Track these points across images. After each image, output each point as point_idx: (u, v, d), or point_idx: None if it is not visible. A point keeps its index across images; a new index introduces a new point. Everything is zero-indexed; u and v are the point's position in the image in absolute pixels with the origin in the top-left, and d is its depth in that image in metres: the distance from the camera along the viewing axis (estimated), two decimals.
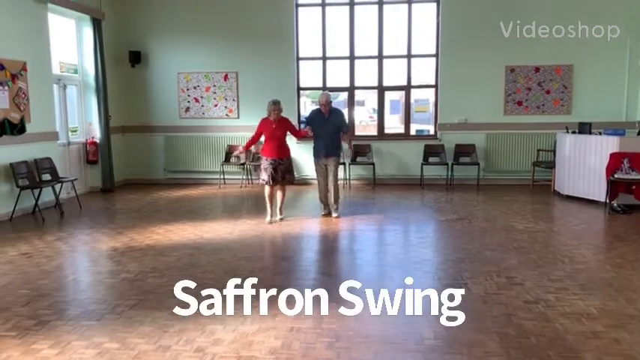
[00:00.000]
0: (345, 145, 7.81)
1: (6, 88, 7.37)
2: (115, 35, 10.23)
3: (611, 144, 7.58)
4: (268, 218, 6.96)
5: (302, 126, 7.06)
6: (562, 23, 9.42)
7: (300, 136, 7.43)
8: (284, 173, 6.94)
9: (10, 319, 3.84)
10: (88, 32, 9.46)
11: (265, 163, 6.90)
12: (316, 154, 7.18)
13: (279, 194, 7.11)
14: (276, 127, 6.82)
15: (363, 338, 3.50)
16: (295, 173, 7.91)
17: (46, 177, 7.95)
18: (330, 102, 7.05)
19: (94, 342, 3.46)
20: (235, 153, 7.17)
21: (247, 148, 7.17)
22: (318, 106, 7.21)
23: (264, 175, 6.89)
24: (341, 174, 8.52)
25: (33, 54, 7.91)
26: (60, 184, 8.00)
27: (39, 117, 8.02)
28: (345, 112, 10.34)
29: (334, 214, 7.20)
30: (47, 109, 8.32)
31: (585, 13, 9.43)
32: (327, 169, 7.11)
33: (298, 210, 7.81)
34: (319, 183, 7.27)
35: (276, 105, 6.80)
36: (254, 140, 7.03)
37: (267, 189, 7.00)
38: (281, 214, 7.11)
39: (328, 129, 6.98)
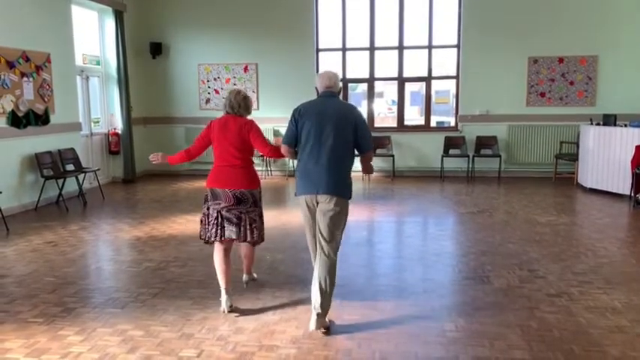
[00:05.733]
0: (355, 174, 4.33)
1: (30, 79, 7.48)
2: (137, 27, 10.31)
3: (636, 136, 7.43)
4: (224, 304, 3.79)
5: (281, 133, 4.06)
6: (587, 13, 9.28)
7: (267, 152, 3.87)
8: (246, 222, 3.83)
9: (37, 306, 3.92)
10: (110, 24, 9.55)
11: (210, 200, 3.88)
12: (301, 186, 3.59)
13: (244, 252, 4.18)
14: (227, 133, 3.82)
15: (384, 329, 3.50)
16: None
17: (70, 167, 8.08)
18: (340, 89, 3.78)
19: (118, 329, 3.52)
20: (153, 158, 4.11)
21: (173, 162, 4.08)
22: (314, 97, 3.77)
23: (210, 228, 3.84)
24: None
25: (57, 46, 8.02)
26: (83, 175, 8.13)
27: (62, 108, 8.14)
28: (365, 104, 10.33)
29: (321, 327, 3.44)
30: (70, 100, 8.44)
31: (611, 3, 9.25)
32: (315, 217, 3.57)
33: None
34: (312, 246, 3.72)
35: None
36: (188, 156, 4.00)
37: (217, 251, 3.86)
38: (248, 273, 4.34)
39: (329, 138, 3.48)
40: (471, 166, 9.70)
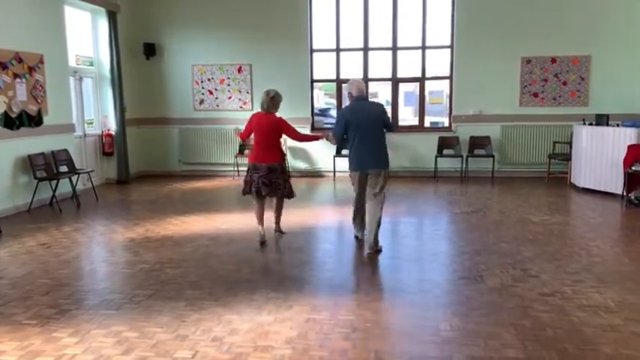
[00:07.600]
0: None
1: (23, 80, 7.45)
2: (130, 28, 10.27)
3: (628, 136, 7.48)
4: (259, 237, 5.62)
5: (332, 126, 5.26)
6: (580, 13, 9.34)
7: (297, 137, 5.67)
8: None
9: (31, 308, 3.91)
10: (104, 25, 9.52)
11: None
12: (355, 165, 5.21)
13: (275, 205, 5.88)
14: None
15: (379, 329, 3.51)
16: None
17: (63, 169, 8.04)
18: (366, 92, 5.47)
19: (112, 331, 3.51)
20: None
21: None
22: (343, 104, 5.51)
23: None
24: None
25: (50, 47, 7.99)
26: (77, 176, 8.09)
27: (56, 109, 8.10)
28: None
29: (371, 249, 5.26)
30: (64, 101, 8.41)
31: (604, 3, 9.32)
32: (368, 182, 5.20)
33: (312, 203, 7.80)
34: (358, 200, 5.36)
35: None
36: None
37: (256, 202, 5.66)
38: (277, 225, 5.96)
39: (374, 126, 5.13)
40: (464, 166, 9.73)
